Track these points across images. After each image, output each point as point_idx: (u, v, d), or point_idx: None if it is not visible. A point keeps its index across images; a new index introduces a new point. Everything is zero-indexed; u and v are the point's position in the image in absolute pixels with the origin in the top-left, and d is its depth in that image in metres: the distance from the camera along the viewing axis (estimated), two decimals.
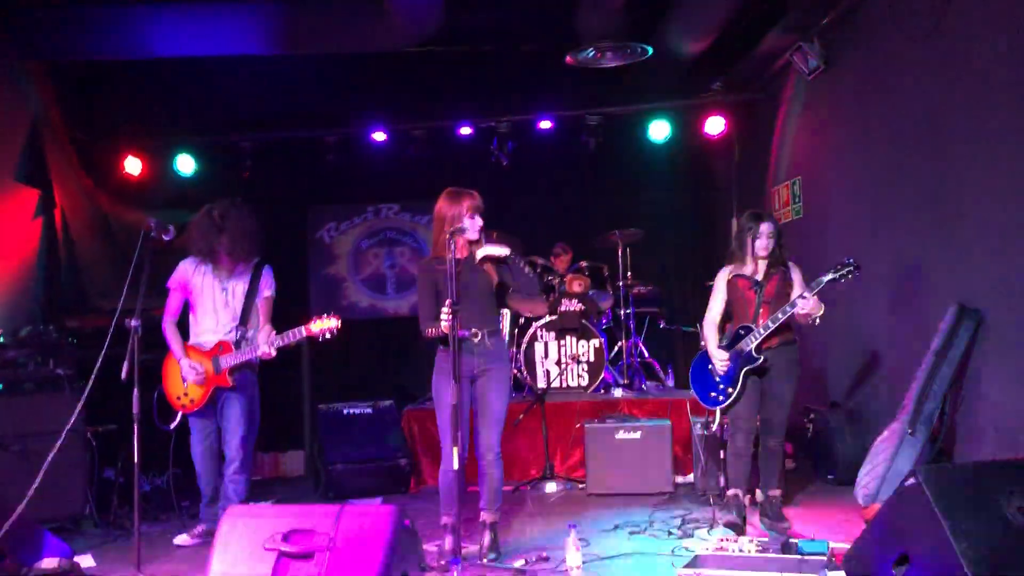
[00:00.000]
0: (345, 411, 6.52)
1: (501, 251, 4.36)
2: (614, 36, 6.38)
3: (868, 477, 4.71)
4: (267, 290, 5.05)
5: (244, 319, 4.96)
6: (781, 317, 4.54)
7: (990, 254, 4.62)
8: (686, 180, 8.66)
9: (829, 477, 5.76)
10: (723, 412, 4.83)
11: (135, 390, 4.20)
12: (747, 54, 7.11)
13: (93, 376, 4.19)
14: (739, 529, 4.62)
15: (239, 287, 4.99)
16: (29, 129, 6.87)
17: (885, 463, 4.70)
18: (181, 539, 4.94)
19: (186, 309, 5.05)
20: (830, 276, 4.43)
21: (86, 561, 4.44)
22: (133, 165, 7.90)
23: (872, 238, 5.82)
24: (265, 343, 4.77)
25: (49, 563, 4.00)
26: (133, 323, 4.25)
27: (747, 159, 8.19)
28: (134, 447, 4.09)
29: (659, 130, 7.98)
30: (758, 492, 4.94)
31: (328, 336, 4.64)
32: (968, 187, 4.78)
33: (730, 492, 4.85)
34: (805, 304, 4.45)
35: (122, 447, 5.37)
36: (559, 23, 6.70)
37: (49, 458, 4.13)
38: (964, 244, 4.82)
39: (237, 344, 4.90)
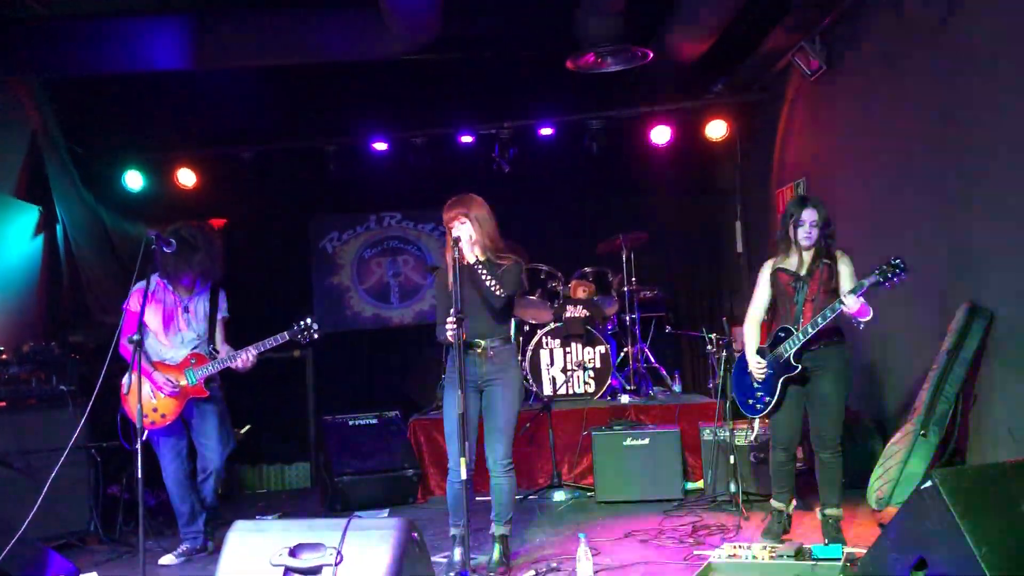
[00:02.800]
0: (351, 422, 6.48)
1: (465, 245, 4.25)
2: (614, 40, 6.35)
3: (881, 480, 4.65)
4: (224, 312, 5.11)
5: (210, 337, 5.02)
6: (821, 322, 4.19)
7: (1000, 252, 4.56)
8: (690, 183, 8.61)
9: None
10: (762, 420, 4.56)
11: (139, 405, 4.16)
12: (749, 55, 7.07)
13: (96, 392, 4.14)
14: (775, 542, 4.42)
15: (200, 307, 5.03)
16: (29, 145, 6.85)
17: (898, 465, 4.64)
18: (166, 559, 4.89)
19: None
20: (874, 278, 4.04)
21: None
22: (134, 179, 7.88)
23: (879, 238, 5.76)
24: (247, 350, 4.82)
25: None
26: (136, 337, 4.21)
27: (751, 161, 8.15)
28: (138, 463, 4.04)
29: (661, 133, 7.94)
30: (817, 510, 4.53)
31: (308, 339, 4.80)
32: (977, 185, 4.73)
33: (774, 504, 4.58)
34: (847, 308, 4.09)
35: (126, 463, 5.33)
36: (559, 28, 6.66)
37: (52, 475, 4.09)
38: (974, 243, 4.77)
39: (210, 355, 4.94)
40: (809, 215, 4.30)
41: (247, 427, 6.64)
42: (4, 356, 5.32)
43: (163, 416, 4.84)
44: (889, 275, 4.02)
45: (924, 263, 5.26)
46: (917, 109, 5.27)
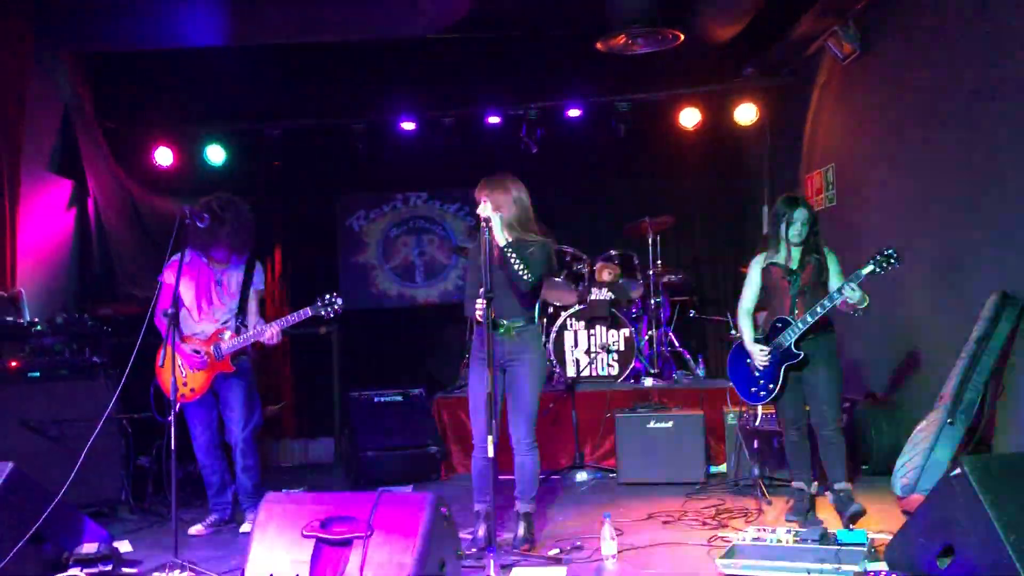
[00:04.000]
0: (376, 399, 6.53)
1: (496, 226, 4.26)
2: (645, 21, 6.31)
3: (907, 468, 4.64)
4: (258, 285, 5.10)
5: (240, 310, 5.00)
6: (820, 311, 4.44)
7: None
8: (717, 167, 8.55)
9: (864, 468, 5.69)
10: (764, 407, 4.78)
11: (172, 378, 4.22)
12: (780, 39, 7.00)
13: (130, 364, 4.21)
14: (801, 522, 4.56)
15: (234, 280, 5.03)
16: (62, 119, 6.92)
17: (924, 453, 4.63)
18: (195, 529, 4.96)
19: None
20: (870, 268, 4.31)
21: (123, 546, 4.48)
22: (164, 155, 7.92)
23: (910, 225, 5.73)
24: (272, 325, 4.81)
25: (89, 548, 4.03)
26: (170, 311, 4.27)
27: (779, 145, 8.09)
28: (170, 434, 4.11)
29: (690, 116, 7.89)
30: (828, 493, 4.79)
31: (331, 313, 4.75)
32: (1011, 172, 4.68)
33: (793, 484, 4.82)
34: (848, 298, 4.34)
35: (156, 435, 5.41)
36: (589, 8, 6.63)
37: (88, 445, 4.16)
38: (1006, 230, 4.73)
39: (236, 331, 4.93)
40: (801, 214, 4.59)
41: (282, 404, 6.72)
42: (38, 327, 5.39)
43: (192, 390, 4.90)
44: (884, 264, 4.30)
45: (955, 250, 5.24)
46: (950, 94, 5.21)
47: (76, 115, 7.08)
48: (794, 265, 4.64)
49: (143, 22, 6.59)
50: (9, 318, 5.39)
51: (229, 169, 8.04)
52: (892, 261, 4.29)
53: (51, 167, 6.79)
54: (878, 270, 4.31)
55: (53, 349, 5.33)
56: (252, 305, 5.06)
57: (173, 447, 4.08)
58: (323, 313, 4.77)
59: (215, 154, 8.01)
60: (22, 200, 6.10)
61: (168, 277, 4.84)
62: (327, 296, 4.79)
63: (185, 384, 4.88)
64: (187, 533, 4.89)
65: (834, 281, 4.62)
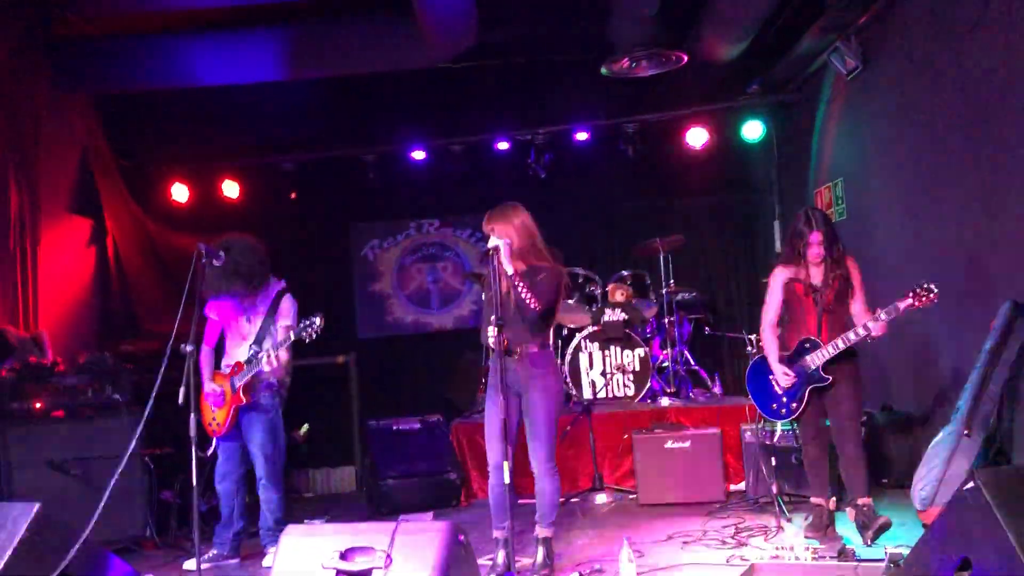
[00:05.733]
0: (395, 427, 6.58)
1: (503, 255, 4.30)
2: (648, 44, 6.38)
3: (924, 480, 4.63)
4: (284, 320, 5.06)
5: (259, 343, 5.03)
6: (854, 338, 4.43)
7: None
8: (727, 184, 8.60)
9: (883, 481, 5.67)
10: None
11: (191, 414, 4.28)
12: (784, 56, 7.07)
13: (151, 400, 4.27)
14: (820, 538, 4.53)
15: (260, 314, 5.10)
16: (80, 160, 7.06)
17: (941, 466, 4.61)
18: (190, 564, 4.89)
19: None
20: (908, 302, 4.28)
21: None
22: (180, 191, 8.05)
23: (919, 237, 5.74)
24: (266, 351, 4.85)
25: None
26: (188, 348, 4.32)
27: (787, 161, 8.13)
28: (192, 469, 4.17)
29: (697, 135, 7.95)
30: (849, 508, 4.68)
31: (312, 335, 4.67)
32: (1018, 181, 4.69)
33: (812, 500, 4.78)
34: (874, 331, 4.35)
35: (179, 469, 5.47)
36: (593, 34, 6.72)
37: (112, 481, 4.21)
38: (1016, 240, 4.73)
39: (248, 361, 4.98)
40: (816, 238, 4.53)
41: (305, 426, 6.79)
42: (61, 367, 5.49)
43: (220, 425, 5.02)
44: (923, 298, 4.27)
45: (965, 261, 5.24)
46: (955, 106, 5.24)
47: (93, 155, 7.21)
48: (817, 282, 4.58)
49: (156, 64, 6.73)
50: (32, 359, 5.49)
51: (244, 203, 8.17)
52: (931, 295, 4.25)
53: (70, 207, 6.91)
54: (916, 304, 4.28)
55: (76, 388, 5.41)
56: (271, 339, 5.04)
57: (194, 483, 4.13)
58: (304, 335, 4.71)
59: (230, 189, 8.14)
60: (42, 241, 6.23)
61: (210, 312, 5.03)
62: (305, 319, 4.72)
63: (215, 419, 5.02)
64: (182, 568, 4.91)
65: (858, 299, 4.58)
